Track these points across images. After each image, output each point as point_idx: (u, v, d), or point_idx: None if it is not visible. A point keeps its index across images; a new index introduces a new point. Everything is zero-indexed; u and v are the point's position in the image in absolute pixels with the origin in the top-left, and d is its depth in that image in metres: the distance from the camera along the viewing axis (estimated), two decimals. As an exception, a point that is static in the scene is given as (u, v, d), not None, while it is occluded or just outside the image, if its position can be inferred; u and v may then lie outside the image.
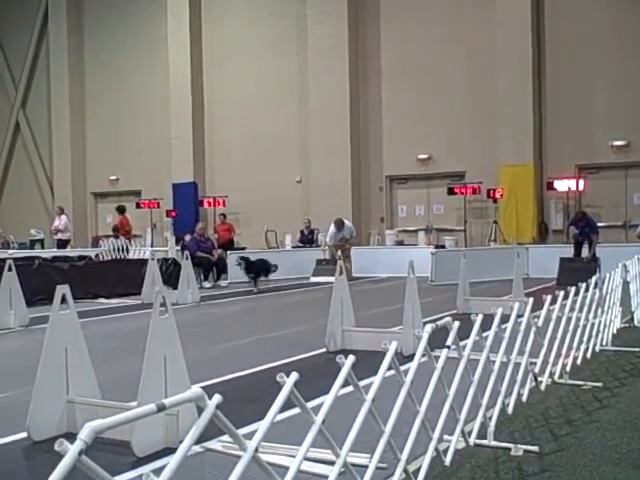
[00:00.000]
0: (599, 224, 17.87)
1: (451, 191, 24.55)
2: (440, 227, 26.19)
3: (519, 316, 5.56)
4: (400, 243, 25.23)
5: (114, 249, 21.76)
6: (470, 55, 25.20)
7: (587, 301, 7.29)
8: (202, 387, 2.39)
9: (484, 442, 4.64)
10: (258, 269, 17.05)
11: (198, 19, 30.59)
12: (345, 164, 26.80)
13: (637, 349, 8.00)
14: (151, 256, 15.40)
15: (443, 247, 23.06)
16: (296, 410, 2.94)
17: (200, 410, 2.34)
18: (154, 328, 4.78)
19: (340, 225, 20.08)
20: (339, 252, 18.27)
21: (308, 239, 24.36)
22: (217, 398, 2.34)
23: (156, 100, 31.07)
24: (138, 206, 29.79)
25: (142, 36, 31.89)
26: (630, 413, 5.48)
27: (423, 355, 3.87)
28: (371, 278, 19.94)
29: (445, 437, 4.24)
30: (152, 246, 26.20)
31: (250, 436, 2.54)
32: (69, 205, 30.99)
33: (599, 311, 7.89)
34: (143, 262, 16.00)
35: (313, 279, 19.62)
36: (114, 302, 14.78)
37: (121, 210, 24.38)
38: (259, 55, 29.07)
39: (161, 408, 2.19)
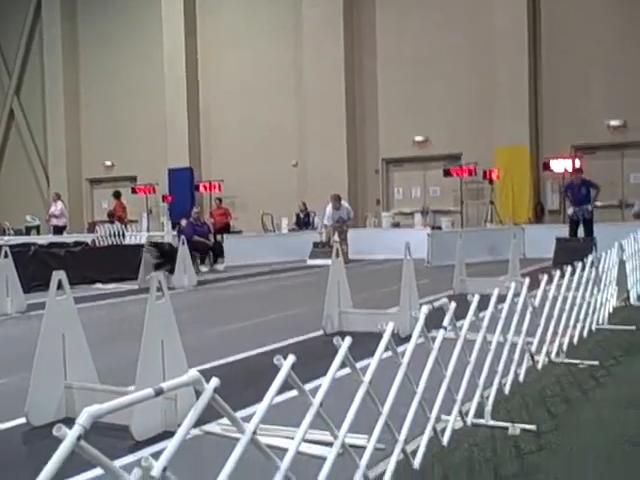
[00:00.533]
0: (595, 203, 17.85)
1: (447, 173, 24.52)
2: (436, 209, 26.19)
3: (515, 296, 5.57)
4: (396, 225, 25.24)
5: (110, 235, 21.73)
6: (467, 38, 25.10)
7: (583, 280, 7.31)
8: (200, 371, 2.40)
9: (481, 421, 4.67)
10: (172, 255, 15.12)
11: (193, 6, 30.42)
12: (341, 147, 26.76)
13: (633, 327, 8.03)
14: (147, 241, 15.37)
15: (439, 228, 23.08)
16: (294, 392, 2.95)
17: (198, 394, 2.35)
18: (151, 312, 4.78)
19: (337, 201, 20.02)
20: (336, 235, 18.30)
21: (304, 222, 24.36)
22: (215, 381, 2.35)
23: (151, 86, 30.93)
24: (134, 191, 29.73)
25: (137, 23, 31.70)
26: (626, 391, 5.51)
27: (420, 336, 3.88)
28: (368, 260, 19.95)
29: (442, 417, 4.26)
30: (148, 231, 26.17)
31: (248, 419, 2.55)
32: (64, 191, 30.86)
33: (595, 290, 7.91)
34: (140, 247, 15.97)
35: (310, 262, 19.63)
36: (111, 287, 14.77)
37: (116, 195, 24.33)
38: (255, 42, 28.93)
39: (159, 392, 2.19)
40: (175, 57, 30.12)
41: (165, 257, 15.05)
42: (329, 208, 20.06)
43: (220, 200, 25.96)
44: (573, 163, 23.15)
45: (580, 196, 17.26)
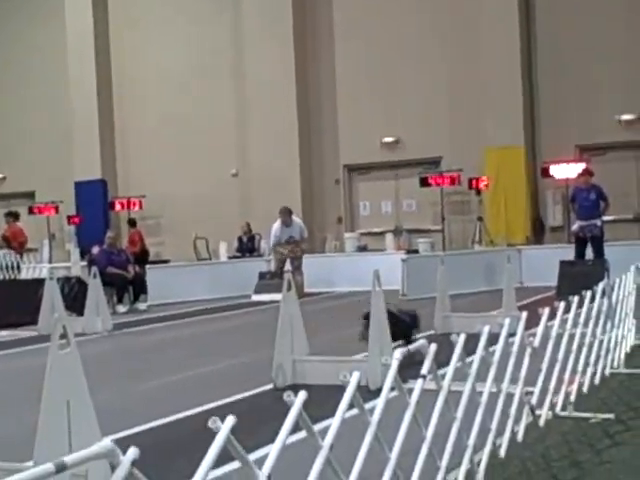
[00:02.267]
0: (605, 218, 18.07)
1: (424, 182, 24.71)
2: (412, 227, 26.36)
3: (511, 335, 5.61)
4: (363, 249, 25.32)
5: (1, 267, 21.45)
6: (447, 17, 25.39)
7: (594, 313, 7.38)
8: (118, 439, 2.38)
9: (472, 493, 4.68)
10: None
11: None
12: (292, 152, 26.85)
13: (656, 371, 8.13)
14: (49, 275, 15.20)
15: (416, 252, 23.20)
16: (236, 464, 2.93)
17: (113, 468, 2.32)
18: (53, 367, 4.71)
19: (287, 216, 19.96)
20: (288, 263, 18.27)
21: (248, 247, 24.32)
22: (133, 452, 2.33)
23: (51, 78, 30.75)
24: (31, 211, 29.41)
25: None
26: (649, 450, 5.57)
27: (393, 388, 3.89)
28: (328, 294, 19.94)
29: (423, 489, 4.27)
30: (50, 262, 25.87)
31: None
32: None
33: (608, 325, 8.00)
34: (39, 282, 15.77)
35: (255, 297, 19.58)
36: (3, 334, 14.54)
37: (15, 216, 24.08)
38: (181, 18, 28.98)
39: (61, 468, 2.16)
40: (81, 39, 30.02)
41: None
42: (277, 225, 20.02)
43: (133, 222, 25.81)
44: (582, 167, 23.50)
45: (588, 206, 17.32)
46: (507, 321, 5.64)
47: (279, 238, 19.96)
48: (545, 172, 23.90)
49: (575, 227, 17.72)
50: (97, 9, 30.18)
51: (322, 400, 4.89)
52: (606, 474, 5.10)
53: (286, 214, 20.03)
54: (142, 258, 23.09)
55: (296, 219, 20.49)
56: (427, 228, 25.91)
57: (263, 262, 21.86)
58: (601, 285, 7.89)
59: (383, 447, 3.79)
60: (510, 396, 5.52)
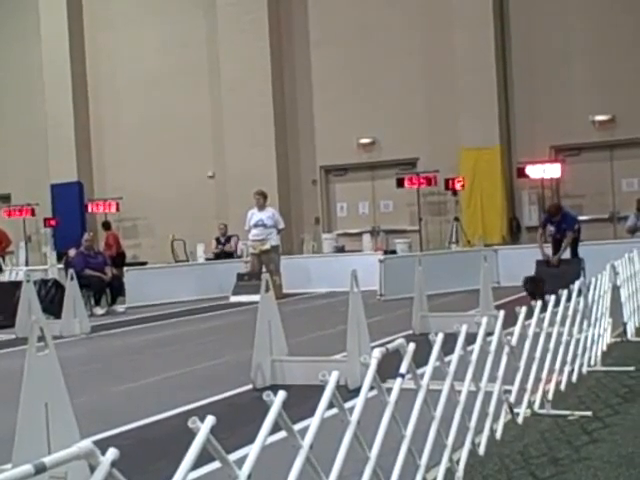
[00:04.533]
0: (581, 217, 18.12)
1: (401, 183, 24.77)
2: (389, 228, 26.41)
3: (488, 334, 5.62)
4: (341, 249, 25.33)
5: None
6: (422, 15, 25.46)
7: (570, 312, 7.42)
8: (98, 441, 2.37)
9: (451, 492, 4.69)
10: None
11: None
12: (268, 153, 26.82)
13: (632, 368, 8.17)
14: (26, 277, 15.10)
15: (394, 252, 23.24)
16: (216, 464, 2.92)
17: (93, 469, 2.31)
18: (31, 369, 4.68)
19: (260, 197, 19.34)
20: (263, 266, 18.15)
21: (223, 251, 24.23)
22: (112, 453, 2.32)
23: (26, 78, 30.60)
24: (8, 214, 29.25)
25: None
26: (626, 447, 5.59)
27: (372, 387, 3.89)
28: (306, 294, 19.93)
29: (403, 488, 4.26)
30: (27, 265, 25.73)
31: (157, 500, 2.52)
32: None
33: (585, 324, 8.05)
34: (16, 285, 15.68)
35: (233, 299, 19.53)
36: (-20, 338, 14.47)
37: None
38: (157, 20, 28.91)
39: (40, 469, 2.15)
40: (56, 40, 29.88)
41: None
42: (250, 212, 19.64)
43: (108, 224, 25.68)
44: (553, 168, 23.61)
45: (558, 239, 17.17)
46: (484, 320, 5.66)
47: (249, 221, 19.50)
48: (521, 172, 24.00)
49: (544, 254, 17.34)
50: (71, 10, 30.02)
51: (301, 400, 4.88)
52: (585, 471, 5.12)
53: (260, 197, 19.57)
54: (119, 260, 23.01)
55: (270, 208, 20.06)
56: (404, 229, 25.96)
57: (241, 263, 21.80)
58: (577, 284, 7.93)
59: (363, 446, 3.79)
60: (488, 394, 5.54)
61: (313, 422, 3.37)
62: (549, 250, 17.76)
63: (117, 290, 18.97)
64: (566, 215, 17.57)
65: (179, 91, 28.35)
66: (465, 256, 19.60)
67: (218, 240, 24.50)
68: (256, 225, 19.29)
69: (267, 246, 19.23)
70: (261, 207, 19.45)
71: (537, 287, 14.65)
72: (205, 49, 28.19)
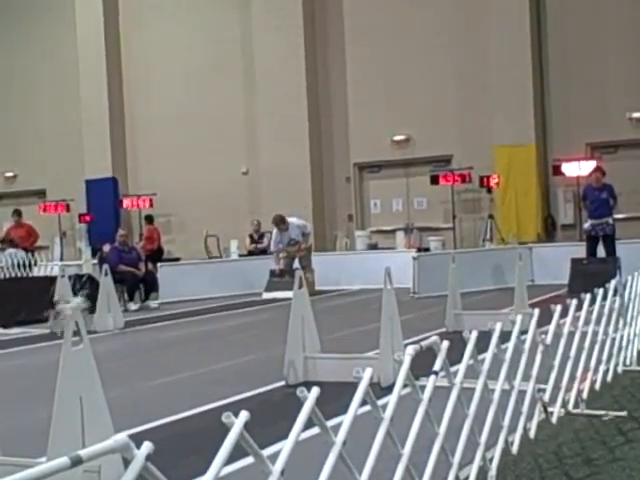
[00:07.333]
0: (617, 215, 18.02)
1: (435, 180, 24.69)
2: (423, 225, 26.31)
3: (523, 332, 5.60)
4: (374, 247, 25.29)
5: (12, 265, 21.51)
6: (457, 14, 25.34)
7: (606, 311, 7.37)
8: (131, 435, 2.38)
9: (484, 490, 4.68)
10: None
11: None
12: (302, 150, 26.82)
13: (668, 368, 8.12)
14: (61, 272, 15.25)
15: (427, 250, 23.18)
16: (249, 459, 2.93)
17: (127, 463, 2.33)
18: (66, 363, 4.73)
19: (280, 223, 19.82)
20: (296, 261, 18.22)
21: (258, 247, 24.25)
22: (147, 447, 2.33)
23: (61, 77, 30.78)
24: (43, 209, 29.48)
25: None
26: (662, 447, 5.56)
27: (405, 385, 3.89)
28: (338, 291, 19.93)
29: (436, 486, 4.26)
30: (62, 260, 25.93)
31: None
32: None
33: (621, 323, 7.99)
34: (51, 280, 15.80)
35: (266, 295, 19.57)
36: (15, 332, 14.57)
37: (19, 214, 24.24)
38: (191, 16, 28.98)
39: (76, 462, 2.17)
40: (91, 39, 29.96)
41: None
42: (275, 232, 20.03)
43: (150, 218, 25.82)
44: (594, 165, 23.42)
45: (600, 205, 17.35)
46: (519, 318, 5.64)
47: (279, 243, 19.94)
48: (556, 170, 23.85)
49: (587, 225, 17.70)
50: (107, 6, 30.15)
51: (334, 397, 4.89)
52: (619, 471, 5.09)
53: (278, 222, 19.87)
54: (157, 256, 23.08)
55: (292, 220, 20.22)
56: (438, 226, 25.87)
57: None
58: (613, 283, 7.88)
59: (396, 443, 3.79)
60: (522, 393, 5.52)
61: (346, 419, 3.38)
62: (583, 250, 17.69)
63: (151, 285, 19.05)
64: (606, 184, 17.58)
65: (213, 87, 28.41)
66: (499, 254, 19.52)
67: (252, 237, 24.54)
68: (290, 243, 19.85)
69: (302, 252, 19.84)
70: (283, 228, 19.71)
71: None
72: (239, 46, 28.22)
